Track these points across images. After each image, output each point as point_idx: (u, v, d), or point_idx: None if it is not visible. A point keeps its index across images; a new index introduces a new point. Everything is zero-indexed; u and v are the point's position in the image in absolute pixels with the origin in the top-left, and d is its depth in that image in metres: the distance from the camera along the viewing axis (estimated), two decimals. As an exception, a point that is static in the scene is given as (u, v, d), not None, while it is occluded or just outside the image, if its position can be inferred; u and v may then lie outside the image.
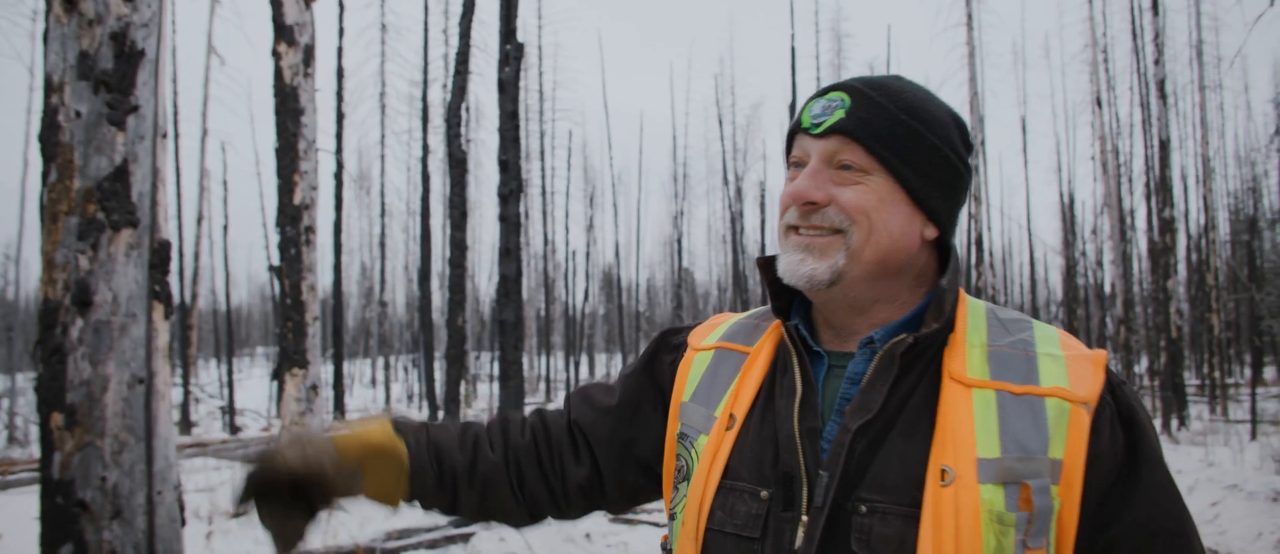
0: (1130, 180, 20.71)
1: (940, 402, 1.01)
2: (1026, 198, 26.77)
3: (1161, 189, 17.85)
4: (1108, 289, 25.58)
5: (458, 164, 8.09)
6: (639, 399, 1.29)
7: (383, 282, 26.02)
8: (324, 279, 31.31)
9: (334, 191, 17.79)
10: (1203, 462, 10.09)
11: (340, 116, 18.17)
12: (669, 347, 1.31)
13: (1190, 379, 23.15)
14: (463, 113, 8.94)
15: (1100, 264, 25.14)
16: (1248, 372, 23.26)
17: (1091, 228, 24.77)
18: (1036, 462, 0.96)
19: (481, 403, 22.25)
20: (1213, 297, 20.97)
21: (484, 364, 33.86)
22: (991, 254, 26.77)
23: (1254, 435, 13.19)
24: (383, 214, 24.72)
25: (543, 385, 28.41)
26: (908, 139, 1.07)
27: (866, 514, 0.98)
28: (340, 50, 18.69)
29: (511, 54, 9.49)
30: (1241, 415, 16.61)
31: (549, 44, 28.84)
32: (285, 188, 7.74)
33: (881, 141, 1.06)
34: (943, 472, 0.96)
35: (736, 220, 29.91)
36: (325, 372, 20.26)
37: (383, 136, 23.84)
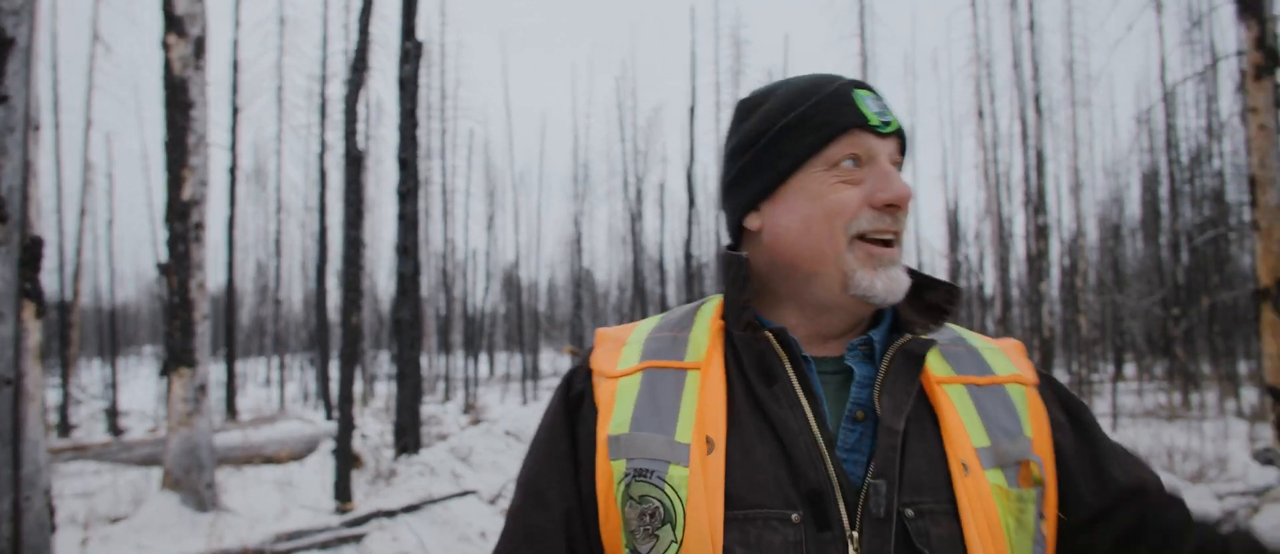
0: (1009, 189, 21.76)
1: (935, 400, 1.01)
2: (915, 204, 27.90)
3: (1037, 197, 18.83)
4: (989, 291, 26.78)
5: (354, 161, 8.01)
6: (578, 475, 1.07)
7: (279, 279, 25.32)
8: (216, 276, 30.37)
9: (228, 187, 17.33)
10: (1070, 455, 10.70)
11: (235, 110, 17.70)
12: (575, 397, 1.09)
13: (1061, 376, 24.37)
14: (361, 109, 8.86)
15: (982, 267, 26.31)
16: (1111, 368, 24.66)
17: (974, 233, 25.93)
18: (1021, 441, 1.00)
19: (379, 402, 21.90)
20: (1080, 299, 22.14)
21: (382, 363, 33.33)
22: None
23: (1114, 427, 14.05)
24: (279, 210, 24.08)
25: (442, 384, 28.11)
26: None
27: (915, 517, 0.93)
28: (236, 42, 18.20)
29: (411, 52, 9.43)
30: (1104, 409, 17.58)
31: (452, 42, 28.54)
32: (174, 183, 7.55)
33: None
34: (961, 465, 0.96)
35: (636, 222, 30.16)
36: (216, 371, 19.65)
37: (280, 132, 23.24)
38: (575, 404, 1.08)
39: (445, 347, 26.28)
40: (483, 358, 41.28)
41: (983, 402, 1.02)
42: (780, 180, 1.03)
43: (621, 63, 41.51)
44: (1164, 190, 23.00)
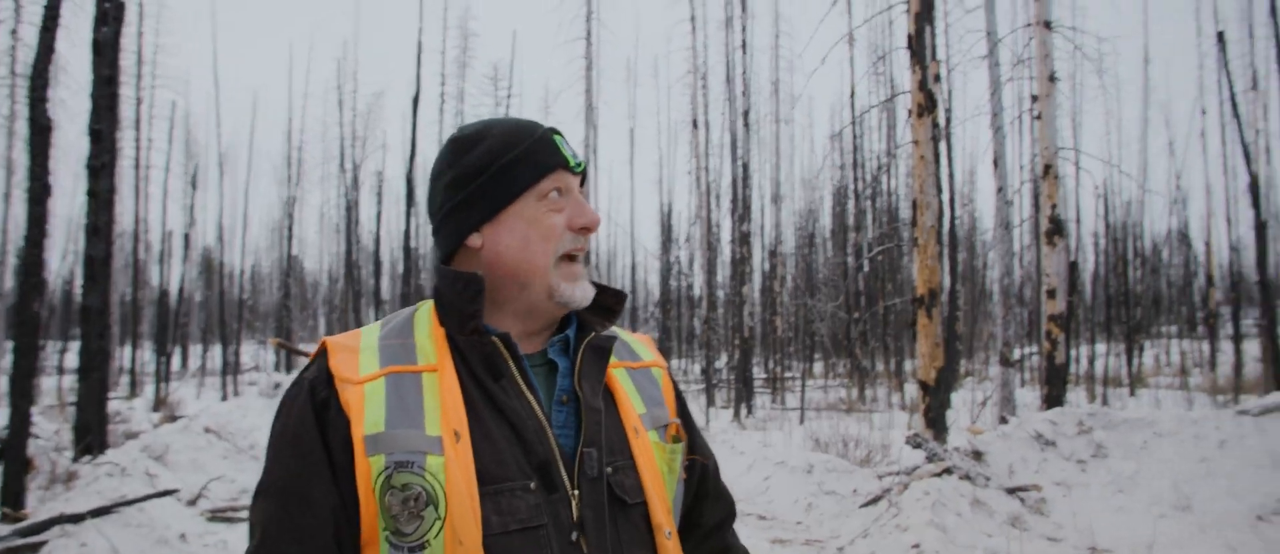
0: (719, 196, 23.34)
1: (610, 381, 1.30)
2: (631, 206, 29.27)
3: (743, 206, 20.37)
4: (697, 292, 28.55)
5: (42, 132, 7.22)
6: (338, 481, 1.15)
7: (-81, 257, 21.83)
8: None
9: None
10: (762, 443, 11.74)
11: None
12: (320, 404, 1.17)
13: (759, 373, 26.48)
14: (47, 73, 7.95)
15: (692, 269, 28.03)
16: (803, 366, 27.11)
17: (686, 236, 27.55)
18: (664, 409, 1.36)
19: (48, 398, 19.55)
20: (778, 302, 24.19)
21: (50, 355, 29.73)
22: (598, 256, 28.74)
23: (802, 420, 15.52)
24: (-77, 177, 20.81)
25: (127, 378, 25.58)
26: None
27: (614, 473, 1.23)
28: None
29: (111, 13, 8.62)
30: (795, 404, 19.35)
31: (152, 2, 25.99)
32: None
33: None
34: (634, 429, 1.27)
35: (352, 209, 29.15)
36: None
37: (-75, 85, 20.05)
38: (321, 410, 1.16)
39: (133, 337, 23.94)
40: (176, 350, 37.95)
41: (639, 381, 1.36)
42: (503, 207, 1.23)
43: (344, 43, 39.88)
44: (851, 205, 25.67)
